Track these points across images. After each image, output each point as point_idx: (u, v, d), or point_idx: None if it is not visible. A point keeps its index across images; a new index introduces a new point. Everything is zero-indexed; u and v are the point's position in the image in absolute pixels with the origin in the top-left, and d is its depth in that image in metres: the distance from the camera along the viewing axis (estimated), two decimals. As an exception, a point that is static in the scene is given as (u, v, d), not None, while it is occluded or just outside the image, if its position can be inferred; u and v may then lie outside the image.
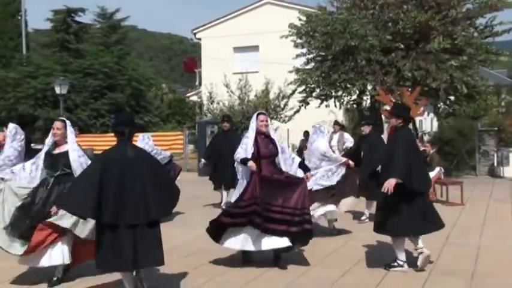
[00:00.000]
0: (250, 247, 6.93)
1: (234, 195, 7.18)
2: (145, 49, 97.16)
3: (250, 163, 6.89)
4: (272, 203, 6.81)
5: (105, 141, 23.92)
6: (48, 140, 6.61)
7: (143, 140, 11.73)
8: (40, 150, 7.02)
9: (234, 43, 31.94)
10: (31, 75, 29.17)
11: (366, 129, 11.27)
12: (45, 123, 26.90)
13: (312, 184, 8.49)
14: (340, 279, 6.47)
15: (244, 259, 7.22)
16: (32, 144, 10.41)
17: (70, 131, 6.56)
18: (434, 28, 17.37)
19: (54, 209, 6.00)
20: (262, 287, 6.21)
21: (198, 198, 13.42)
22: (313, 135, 9.22)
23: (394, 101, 16.08)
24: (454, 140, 20.63)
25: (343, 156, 11.02)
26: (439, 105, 19.78)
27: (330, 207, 8.89)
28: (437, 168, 13.69)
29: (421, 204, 6.68)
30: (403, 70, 17.18)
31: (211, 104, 24.35)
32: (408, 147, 6.67)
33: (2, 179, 6.58)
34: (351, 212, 11.16)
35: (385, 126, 16.99)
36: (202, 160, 12.93)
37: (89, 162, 6.30)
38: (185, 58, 52.72)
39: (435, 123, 29.18)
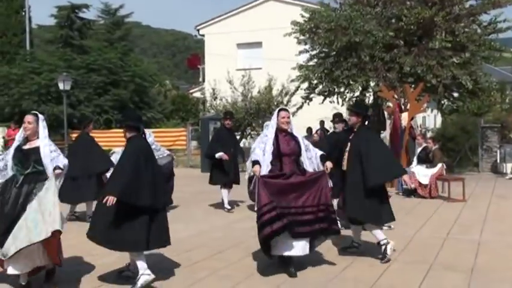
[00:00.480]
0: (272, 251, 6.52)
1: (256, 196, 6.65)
2: (149, 45, 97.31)
3: (255, 168, 6.50)
4: (291, 205, 6.38)
5: (109, 137, 24.08)
6: (19, 135, 6.26)
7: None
8: None
9: (237, 40, 31.99)
10: (35, 71, 29.22)
11: (340, 127, 11.06)
12: (49, 119, 26.96)
13: None
14: (340, 274, 6.51)
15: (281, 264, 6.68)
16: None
17: (42, 125, 6.21)
18: (437, 25, 17.36)
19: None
20: (262, 282, 6.25)
21: (200, 194, 13.48)
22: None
23: (396, 97, 16.14)
24: (457, 137, 20.63)
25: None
26: (442, 102, 19.77)
27: None
28: (440, 165, 13.71)
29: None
30: (405, 66, 17.18)
31: (215, 100, 24.39)
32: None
33: None
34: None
35: (388, 122, 17.01)
36: (220, 153, 11.26)
37: (61, 157, 6.14)
38: (189, 55, 52.84)
39: (439, 120, 29.19)
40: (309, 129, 20.53)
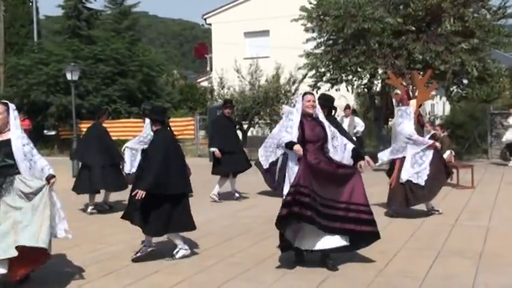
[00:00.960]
0: (302, 245, 6.25)
1: (285, 184, 6.36)
2: (157, 35, 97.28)
3: (297, 147, 6.04)
4: (324, 196, 6.05)
5: (117, 127, 24.16)
6: None
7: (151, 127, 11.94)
8: (53, 136, 7.22)
9: (244, 28, 31.92)
10: (43, 62, 29.24)
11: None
12: (58, 109, 27.04)
13: (406, 176, 8.89)
14: (348, 260, 6.51)
15: (296, 260, 6.42)
16: (44, 131, 10.67)
17: (14, 116, 5.80)
18: (446, 10, 17.24)
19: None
20: (271, 268, 6.27)
21: (209, 182, 13.47)
22: (399, 118, 9.27)
23: (405, 85, 16.06)
24: (465, 124, 20.54)
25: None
26: (451, 89, 19.66)
27: None
28: (448, 152, 13.68)
29: None
30: (414, 53, 17.09)
31: (222, 89, 24.37)
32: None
33: None
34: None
35: (396, 110, 16.94)
36: (216, 150, 11.30)
37: (35, 151, 5.84)
38: (196, 44, 52.79)
39: (447, 107, 29.06)
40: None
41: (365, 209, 6.27)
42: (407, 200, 9.11)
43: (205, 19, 34.64)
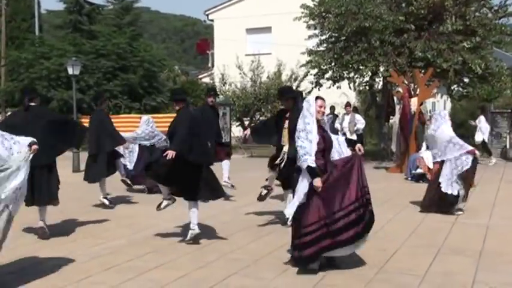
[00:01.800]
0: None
1: (293, 202, 6.05)
2: (158, 31, 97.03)
3: (318, 182, 5.68)
4: (334, 211, 5.80)
5: (117, 123, 24.11)
6: None
7: (147, 124, 12.21)
8: None
9: (246, 25, 31.89)
10: (44, 56, 29.21)
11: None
12: (59, 104, 27.02)
13: (447, 186, 8.96)
14: (348, 257, 6.49)
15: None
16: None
17: None
18: (448, 9, 17.22)
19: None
20: (271, 265, 6.28)
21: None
22: (436, 122, 9.26)
23: (406, 83, 16.06)
24: (466, 122, 20.54)
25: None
26: (452, 87, 19.65)
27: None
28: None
29: None
30: (415, 51, 17.07)
31: (224, 85, 24.38)
32: None
33: None
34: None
35: (397, 108, 16.95)
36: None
37: (6, 142, 5.55)
38: (198, 40, 52.69)
39: (448, 105, 29.05)
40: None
41: (366, 192, 5.96)
42: (438, 204, 9.20)
43: (207, 15, 34.61)
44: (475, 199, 10.85)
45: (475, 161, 9.30)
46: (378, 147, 19.45)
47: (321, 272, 5.93)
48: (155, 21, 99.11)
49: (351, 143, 6.59)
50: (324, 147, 5.88)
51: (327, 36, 19.27)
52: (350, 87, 19.69)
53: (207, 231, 7.86)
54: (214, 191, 7.40)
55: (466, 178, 9.21)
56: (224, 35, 31.88)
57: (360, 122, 17.15)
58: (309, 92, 20.26)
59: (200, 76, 39.04)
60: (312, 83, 19.96)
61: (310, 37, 19.65)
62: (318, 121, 5.94)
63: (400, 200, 10.80)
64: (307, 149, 5.72)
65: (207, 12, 34.45)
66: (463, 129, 20.31)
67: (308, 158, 5.68)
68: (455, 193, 9.08)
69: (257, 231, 7.95)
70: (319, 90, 19.89)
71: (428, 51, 17.05)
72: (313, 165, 5.67)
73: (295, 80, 23.50)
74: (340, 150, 6.45)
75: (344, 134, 16.77)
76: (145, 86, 29.51)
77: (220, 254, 6.77)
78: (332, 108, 20.49)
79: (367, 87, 20.80)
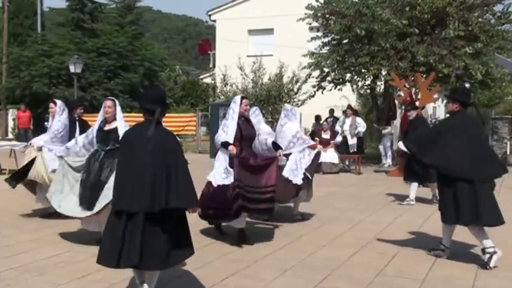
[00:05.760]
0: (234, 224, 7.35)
1: (212, 174, 7.30)
2: (160, 31, 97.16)
3: (231, 147, 7.08)
4: (251, 185, 7.06)
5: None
6: (100, 117, 7.13)
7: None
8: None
9: (248, 26, 31.90)
10: (46, 54, 29.26)
11: (413, 114, 11.27)
12: (60, 101, 27.03)
13: (288, 172, 8.54)
14: (348, 260, 6.53)
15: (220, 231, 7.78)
16: (46, 123, 10.63)
17: (119, 109, 7.13)
18: (451, 14, 17.23)
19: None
20: (271, 266, 6.28)
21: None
22: (285, 118, 9.18)
23: (407, 86, 16.06)
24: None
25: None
26: (453, 92, 19.62)
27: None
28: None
29: (472, 194, 6.34)
30: (418, 55, 17.07)
31: (225, 86, 24.38)
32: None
33: (61, 157, 7.29)
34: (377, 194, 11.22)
35: (398, 112, 16.96)
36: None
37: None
38: (200, 40, 52.74)
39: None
40: (318, 117, 20.47)
41: (273, 189, 7.22)
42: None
43: (209, 15, 34.63)
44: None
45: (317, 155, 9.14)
46: (378, 150, 19.45)
47: (320, 274, 5.94)
48: (157, 20, 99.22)
49: (275, 146, 7.67)
50: (240, 138, 7.24)
51: (330, 38, 19.28)
52: (353, 90, 19.68)
53: (207, 231, 7.86)
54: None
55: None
56: (226, 35, 31.90)
57: (361, 125, 17.14)
58: (312, 96, 20.27)
59: (201, 76, 39.10)
60: (314, 86, 19.96)
61: (312, 39, 19.65)
62: (244, 116, 7.43)
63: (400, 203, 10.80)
64: (221, 137, 7.23)
65: (209, 13, 34.47)
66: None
67: (220, 138, 7.22)
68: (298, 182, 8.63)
69: (257, 232, 7.94)
70: (322, 93, 19.90)
71: (430, 56, 17.05)
72: (223, 139, 7.18)
73: (297, 82, 23.51)
74: (265, 148, 7.66)
75: (345, 137, 16.79)
76: (146, 86, 29.51)
77: (220, 254, 6.77)
78: (331, 111, 20.49)
79: (369, 91, 20.80)
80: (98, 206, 6.75)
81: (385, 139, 18.48)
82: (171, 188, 4.57)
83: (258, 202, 7.15)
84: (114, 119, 7.09)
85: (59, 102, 9.03)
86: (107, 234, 4.78)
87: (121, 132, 6.72)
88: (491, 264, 6.26)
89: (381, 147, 18.86)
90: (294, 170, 8.53)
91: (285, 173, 8.42)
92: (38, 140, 8.79)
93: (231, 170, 7.08)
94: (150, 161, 4.63)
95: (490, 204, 6.49)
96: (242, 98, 7.52)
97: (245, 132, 7.34)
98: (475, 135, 6.52)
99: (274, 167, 7.29)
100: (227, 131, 7.22)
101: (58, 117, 8.77)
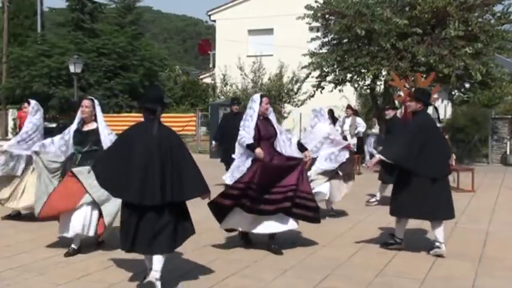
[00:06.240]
0: (246, 228, 6.94)
1: (228, 175, 7.02)
2: (160, 31, 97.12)
3: (258, 150, 6.74)
4: (269, 187, 6.72)
5: (118, 122, 24.13)
6: (77, 118, 6.85)
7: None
8: (53, 128, 7.39)
9: (248, 26, 31.88)
10: (45, 54, 29.27)
11: (391, 113, 11.43)
12: (60, 101, 27.05)
13: (314, 168, 8.74)
14: (348, 260, 6.54)
15: (242, 238, 7.32)
16: (45, 123, 10.58)
17: (98, 109, 6.82)
18: (451, 14, 17.22)
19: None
20: (271, 266, 6.28)
21: (209, 179, 13.43)
22: (314, 119, 9.25)
23: (407, 87, 16.06)
24: (467, 127, 20.52)
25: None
26: (453, 93, 19.65)
27: (322, 188, 8.91)
28: (449, 155, 13.67)
29: (431, 189, 6.64)
30: (418, 55, 17.07)
31: (225, 86, 24.38)
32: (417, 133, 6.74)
33: (36, 152, 6.91)
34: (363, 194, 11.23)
35: (398, 111, 16.96)
36: (213, 142, 13.00)
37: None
38: (200, 40, 52.75)
39: (448, 110, 29.06)
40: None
41: (311, 197, 6.99)
42: None
43: (209, 15, 34.62)
44: (474, 204, 10.88)
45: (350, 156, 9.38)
46: (376, 149, 19.42)
47: (320, 274, 5.94)
48: (157, 20, 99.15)
49: (300, 148, 7.23)
50: (258, 137, 6.89)
51: (330, 38, 19.27)
52: (356, 90, 19.65)
53: (207, 231, 7.86)
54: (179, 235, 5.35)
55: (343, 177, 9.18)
56: (226, 35, 31.88)
57: (361, 125, 17.13)
58: (312, 95, 20.26)
59: (201, 76, 39.09)
60: (314, 86, 19.95)
61: (312, 39, 19.64)
62: (262, 115, 7.04)
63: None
64: (245, 138, 6.83)
65: (209, 13, 34.45)
66: (463, 134, 20.32)
67: (245, 139, 6.82)
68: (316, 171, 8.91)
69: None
70: (321, 93, 19.89)
71: (430, 56, 17.05)
72: (249, 141, 6.79)
73: (296, 82, 23.51)
74: (289, 149, 7.14)
75: (345, 137, 16.77)
76: (146, 86, 29.57)
77: (220, 254, 6.78)
78: (330, 111, 20.46)
79: (369, 91, 20.79)
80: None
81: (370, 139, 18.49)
82: (185, 181, 5.18)
83: (271, 203, 6.73)
84: (94, 119, 6.80)
85: (33, 102, 8.54)
86: (122, 221, 5.28)
87: (103, 134, 6.66)
88: (432, 253, 6.77)
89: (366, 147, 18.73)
90: (326, 160, 8.86)
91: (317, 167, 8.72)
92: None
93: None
94: (158, 157, 5.05)
95: (448, 199, 6.84)
96: (262, 96, 7.18)
97: (264, 131, 6.99)
98: (436, 133, 6.94)
99: (298, 171, 6.88)
100: (249, 131, 6.89)
101: (30, 117, 8.30)
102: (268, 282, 5.71)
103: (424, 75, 16.84)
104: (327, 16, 18.54)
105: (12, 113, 31.73)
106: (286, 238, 7.36)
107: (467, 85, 19.35)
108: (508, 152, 20.11)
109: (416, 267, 6.27)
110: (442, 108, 33.54)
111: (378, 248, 7.09)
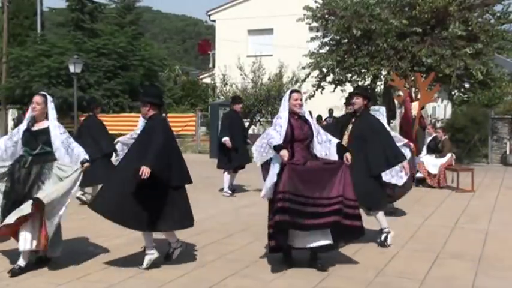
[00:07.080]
0: (293, 243, 6.13)
1: (265, 185, 6.17)
2: (160, 31, 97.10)
3: (283, 152, 5.82)
4: (311, 196, 5.89)
5: (119, 122, 24.15)
6: (28, 116, 6.23)
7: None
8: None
9: (248, 26, 31.90)
10: (45, 54, 29.25)
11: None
12: (59, 102, 27.03)
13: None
14: (348, 260, 6.52)
15: (284, 260, 6.33)
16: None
17: (51, 106, 6.20)
18: (451, 14, 17.23)
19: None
20: (270, 266, 6.27)
21: (209, 179, 13.51)
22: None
23: (407, 87, 16.06)
24: (467, 127, 20.51)
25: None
26: (453, 93, 19.66)
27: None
28: (449, 155, 13.71)
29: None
30: (418, 55, 17.07)
31: (225, 86, 24.37)
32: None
33: None
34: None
35: (398, 111, 16.94)
36: (226, 138, 11.50)
37: (71, 140, 6.18)
38: (199, 40, 52.76)
39: (448, 110, 29.07)
40: (319, 118, 20.48)
41: (354, 204, 6.09)
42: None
43: (209, 15, 34.63)
44: (474, 204, 10.88)
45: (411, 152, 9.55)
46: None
47: (320, 274, 5.94)
48: (157, 21, 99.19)
49: (341, 149, 6.34)
50: (291, 139, 6.12)
51: (329, 38, 19.27)
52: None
53: (207, 232, 7.87)
54: (182, 218, 6.14)
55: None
56: (226, 35, 31.88)
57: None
58: (312, 96, 20.26)
59: (201, 76, 39.08)
60: (314, 86, 19.95)
61: (312, 39, 19.64)
62: (296, 113, 6.28)
63: (399, 204, 10.77)
64: (274, 139, 6.01)
65: (209, 13, 34.47)
66: (463, 134, 20.31)
67: (273, 140, 6.02)
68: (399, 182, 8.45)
69: (257, 232, 7.92)
70: (321, 93, 19.89)
71: (431, 56, 17.05)
72: (277, 142, 5.96)
73: (296, 82, 23.49)
74: (329, 148, 6.35)
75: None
76: (145, 85, 29.53)
77: (220, 254, 6.77)
78: (330, 110, 20.50)
79: (369, 91, 20.77)
80: (13, 217, 5.62)
81: None
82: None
83: (314, 217, 5.89)
84: (45, 118, 6.15)
85: None
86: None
87: (53, 133, 6.03)
88: (389, 242, 7.11)
89: None
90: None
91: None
92: None
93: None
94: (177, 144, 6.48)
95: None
96: (292, 91, 6.36)
97: (297, 131, 6.14)
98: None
99: (342, 174, 6.02)
100: (279, 131, 6.09)
101: None
102: (268, 282, 5.71)
103: (424, 75, 16.86)
104: (326, 16, 18.54)
105: (12, 113, 31.71)
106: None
107: (467, 85, 19.34)
108: (507, 152, 20.11)
109: (416, 267, 6.27)
110: (442, 108, 33.60)
111: (377, 248, 7.09)
